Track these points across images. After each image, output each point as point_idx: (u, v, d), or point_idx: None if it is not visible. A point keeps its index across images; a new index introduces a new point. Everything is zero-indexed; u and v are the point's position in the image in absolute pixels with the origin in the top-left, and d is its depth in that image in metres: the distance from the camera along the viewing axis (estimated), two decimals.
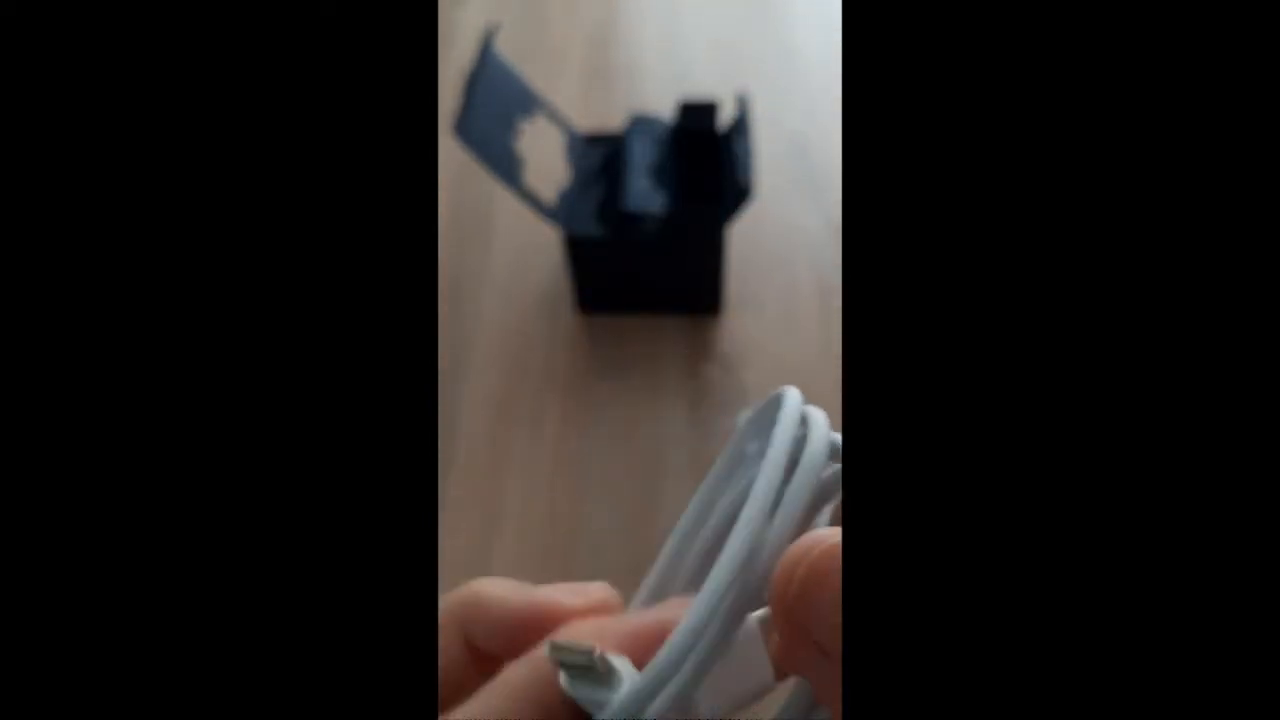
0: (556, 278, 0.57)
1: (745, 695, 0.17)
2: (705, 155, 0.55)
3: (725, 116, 0.55)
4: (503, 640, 0.19)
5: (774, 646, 0.17)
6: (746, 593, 0.16)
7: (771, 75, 0.71)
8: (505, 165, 0.49)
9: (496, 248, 0.60)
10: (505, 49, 0.54)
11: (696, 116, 0.55)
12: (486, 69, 0.50)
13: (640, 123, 0.56)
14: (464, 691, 0.18)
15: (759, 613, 0.17)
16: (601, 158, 0.56)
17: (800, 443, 0.17)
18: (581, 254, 0.52)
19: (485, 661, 0.19)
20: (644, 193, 0.52)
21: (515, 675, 0.18)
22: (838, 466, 0.18)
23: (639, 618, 0.19)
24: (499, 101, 0.51)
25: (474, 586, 0.20)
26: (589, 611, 0.19)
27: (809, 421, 0.18)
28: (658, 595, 0.21)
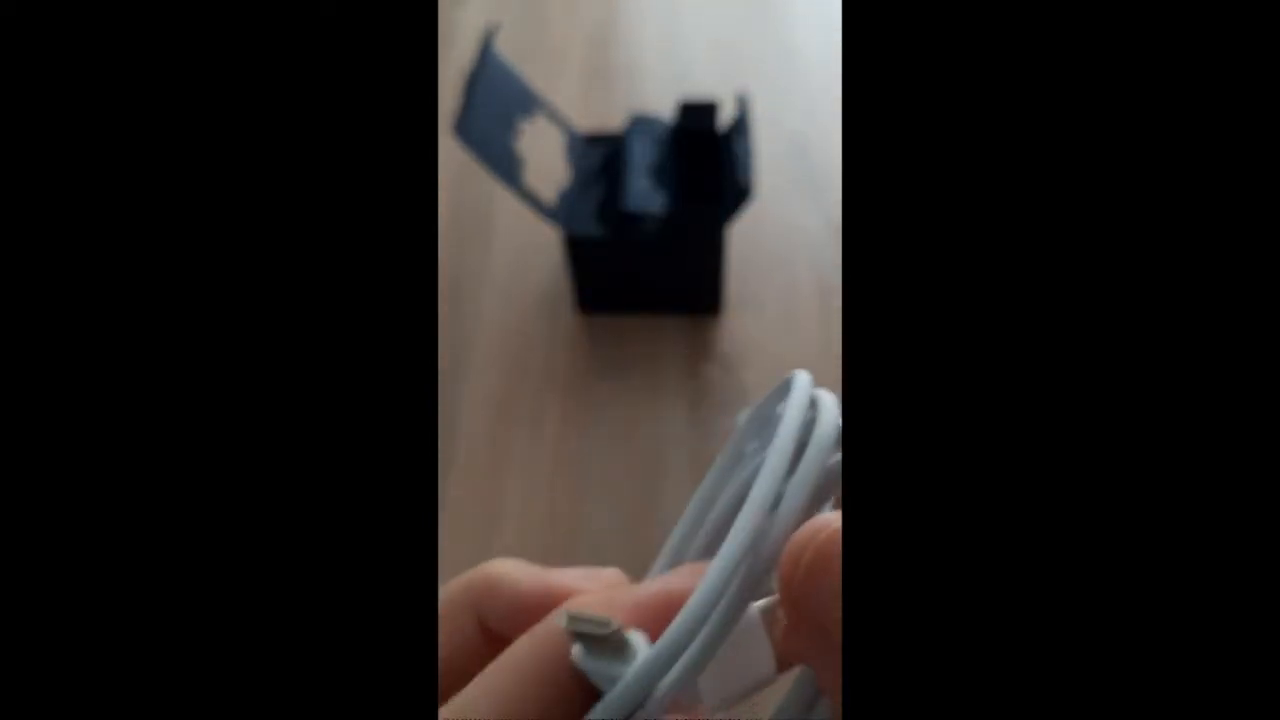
0: (556, 278, 0.57)
1: (747, 685, 0.17)
2: (705, 155, 0.55)
3: (725, 116, 0.55)
4: (515, 622, 0.19)
5: (777, 637, 0.17)
6: (755, 572, 0.16)
7: (771, 75, 0.72)
8: (505, 165, 0.49)
9: (496, 248, 0.60)
10: (505, 49, 0.54)
11: (696, 116, 0.55)
12: (486, 69, 0.51)
13: (640, 123, 0.56)
14: (476, 673, 0.18)
15: (760, 603, 0.17)
16: (601, 158, 0.56)
17: (809, 426, 0.17)
18: (581, 254, 0.52)
19: (498, 643, 0.19)
20: (644, 193, 0.52)
21: (521, 650, 0.17)
22: None
23: (645, 588, 0.18)
24: (499, 101, 0.51)
25: (487, 568, 0.20)
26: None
27: (819, 404, 0.17)
28: None
